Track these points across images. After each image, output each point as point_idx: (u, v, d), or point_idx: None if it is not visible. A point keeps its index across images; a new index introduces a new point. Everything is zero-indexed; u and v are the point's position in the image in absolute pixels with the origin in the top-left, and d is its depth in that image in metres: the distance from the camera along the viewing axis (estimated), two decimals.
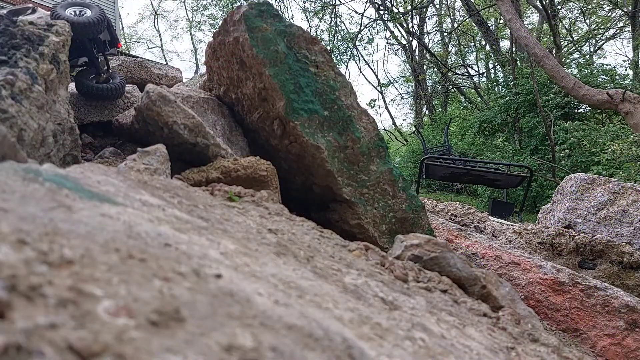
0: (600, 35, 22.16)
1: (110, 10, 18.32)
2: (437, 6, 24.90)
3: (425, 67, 25.22)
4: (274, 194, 2.23)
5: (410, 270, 1.59)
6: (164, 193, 1.23)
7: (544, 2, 14.32)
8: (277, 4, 24.68)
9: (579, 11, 22.17)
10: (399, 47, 25.49)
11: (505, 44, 22.38)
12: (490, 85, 22.54)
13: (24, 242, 0.53)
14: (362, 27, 20.52)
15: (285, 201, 2.32)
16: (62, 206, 0.72)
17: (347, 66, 21.53)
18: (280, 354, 0.50)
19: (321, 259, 1.21)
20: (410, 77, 26.12)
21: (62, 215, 0.67)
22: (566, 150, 11.19)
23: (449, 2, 25.63)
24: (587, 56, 20.42)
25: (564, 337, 2.62)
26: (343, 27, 24.14)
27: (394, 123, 27.37)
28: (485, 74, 25.32)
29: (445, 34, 25.80)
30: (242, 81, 2.76)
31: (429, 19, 26.32)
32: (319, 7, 22.85)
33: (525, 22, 17.89)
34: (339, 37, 22.24)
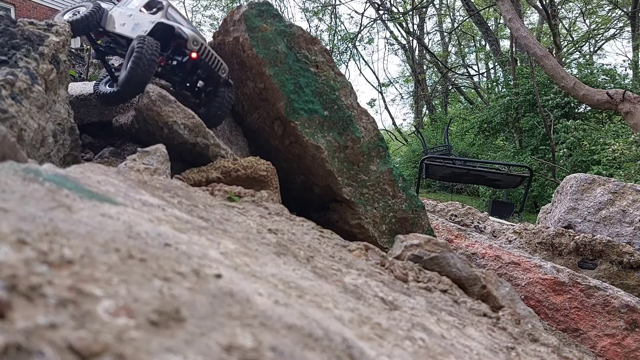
0: (600, 35, 22.17)
1: None
2: (437, 6, 24.91)
3: (425, 67, 25.23)
4: (274, 194, 2.23)
5: (410, 270, 1.59)
6: (164, 193, 1.23)
7: (544, 2, 14.33)
8: (277, 4, 24.67)
9: (579, 11, 22.17)
10: (399, 47, 25.51)
11: (505, 44, 22.40)
12: (490, 86, 22.55)
13: (24, 242, 0.53)
14: (362, 27, 20.52)
15: (285, 201, 2.32)
16: (62, 206, 0.72)
17: (347, 66, 21.51)
18: (280, 354, 0.50)
19: (321, 259, 1.21)
20: (410, 77, 26.13)
21: (62, 215, 0.67)
22: (565, 150, 11.20)
23: (448, 2, 25.63)
24: (587, 56, 20.42)
25: (564, 337, 2.62)
26: (343, 27, 24.17)
27: (394, 123, 27.37)
28: (485, 74, 25.33)
29: (445, 34, 25.81)
30: (242, 81, 2.76)
31: (429, 19, 26.34)
32: (319, 7, 22.86)
33: (525, 22, 17.88)
34: (339, 37, 22.24)
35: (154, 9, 2.71)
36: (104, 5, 2.77)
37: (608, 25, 21.40)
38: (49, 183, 0.80)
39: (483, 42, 24.20)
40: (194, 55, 2.45)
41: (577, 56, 20.23)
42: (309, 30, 15.62)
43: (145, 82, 2.32)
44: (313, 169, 2.66)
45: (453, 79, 24.87)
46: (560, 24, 19.73)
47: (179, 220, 0.96)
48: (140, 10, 2.70)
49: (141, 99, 2.26)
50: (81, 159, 2.39)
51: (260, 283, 0.75)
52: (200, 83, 2.76)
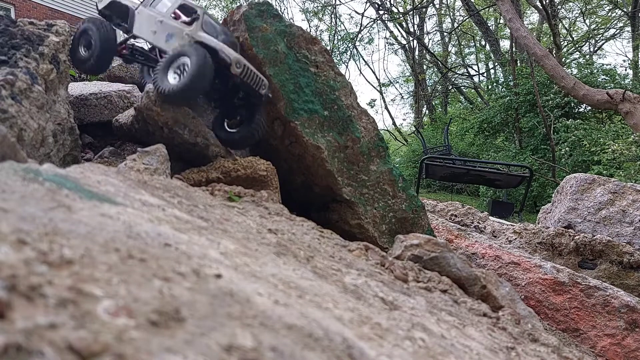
0: (600, 35, 22.18)
1: None
2: (437, 6, 24.91)
3: (425, 67, 25.24)
4: (274, 194, 2.23)
5: (410, 270, 1.59)
6: (164, 193, 1.23)
7: (544, 2, 14.32)
8: (277, 4, 24.69)
9: (579, 11, 22.18)
10: (399, 47, 25.52)
11: (505, 44, 22.42)
12: (490, 86, 22.57)
13: (24, 242, 0.53)
14: (362, 27, 20.52)
15: (285, 201, 2.32)
16: (62, 206, 0.72)
17: (347, 66, 21.51)
18: (280, 354, 0.50)
19: (321, 259, 1.21)
20: (411, 77, 26.15)
21: (62, 215, 0.67)
22: (567, 149, 11.20)
23: (448, 2, 25.63)
24: (587, 56, 20.43)
25: (564, 337, 2.62)
26: (343, 28, 24.20)
27: (394, 123, 27.39)
28: (485, 74, 25.34)
29: (445, 34, 25.81)
30: None
31: (429, 19, 26.35)
32: (319, 7, 22.88)
33: (525, 22, 17.89)
34: (339, 37, 22.26)
35: (189, 18, 2.44)
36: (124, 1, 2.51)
37: (608, 25, 21.40)
38: (49, 183, 0.80)
39: (483, 42, 24.21)
40: (236, 77, 2.29)
41: (577, 56, 20.23)
42: (309, 30, 15.62)
43: (196, 97, 2.24)
44: (313, 169, 2.66)
45: (453, 79, 24.88)
46: (560, 24, 19.73)
47: (179, 220, 0.96)
48: (173, 16, 2.44)
49: (141, 99, 2.25)
50: (81, 159, 2.39)
51: (260, 283, 0.75)
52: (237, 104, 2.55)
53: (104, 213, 0.76)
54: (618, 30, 21.52)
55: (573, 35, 22.32)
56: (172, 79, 2.17)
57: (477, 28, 21.96)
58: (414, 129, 18.69)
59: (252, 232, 1.21)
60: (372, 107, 26.69)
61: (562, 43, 17.81)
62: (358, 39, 21.80)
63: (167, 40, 2.37)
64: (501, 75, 20.63)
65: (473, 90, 24.53)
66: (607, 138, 9.95)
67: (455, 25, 24.57)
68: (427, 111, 25.57)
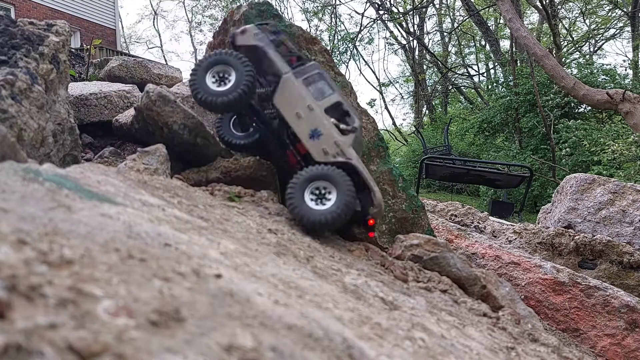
0: (600, 35, 22.20)
1: (110, 11, 18.18)
2: (437, 6, 24.93)
3: (425, 67, 25.26)
4: (274, 194, 2.23)
5: (410, 270, 1.59)
6: (164, 193, 1.23)
7: (544, 2, 14.33)
8: (277, 4, 24.73)
9: (579, 11, 22.20)
10: (399, 47, 25.55)
11: (505, 44, 22.45)
12: (490, 86, 22.57)
13: (24, 242, 0.53)
14: (362, 27, 20.53)
15: (285, 201, 2.32)
16: (62, 206, 0.72)
17: (347, 66, 21.51)
18: (280, 354, 0.50)
19: (321, 259, 1.21)
20: (411, 77, 26.19)
21: (62, 215, 0.67)
22: (567, 149, 11.21)
23: (448, 2, 25.65)
24: (587, 56, 20.44)
25: (564, 337, 2.62)
26: (343, 28, 24.22)
27: (394, 123, 27.42)
28: (485, 74, 25.37)
29: (445, 34, 25.84)
30: None
31: (429, 19, 26.38)
32: (319, 7, 22.92)
33: (525, 22, 17.91)
34: (339, 37, 22.28)
35: (343, 125, 2.01)
36: (270, 51, 2.02)
37: (608, 25, 21.42)
38: (49, 183, 0.80)
39: (483, 42, 24.23)
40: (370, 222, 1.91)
41: (577, 56, 20.23)
42: (309, 30, 15.62)
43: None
44: None
45: (453, 79, 24.90)
46: (560, 24, 19.75)
47: (179, 220, 0.96)
48: (326, 112, 2.00)
49: (141, 99, 2.25)
50: (81, 159, 2.39)
51: (260, 283, 0.75)
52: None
53: (104, 213, 0.76)
54: (618, 30, 21.54)
55: (573, 35, 22.33)
56: (310, 201, 1.80)
57: (477, 28, 21.98)
58: (414, 129, 18.70)
59: (252, 232, 1.21)
60: (372, 107, 26.74)
61: (562, 43, 17.82)
62: (358, 39, 21.80)
63: (311, 136, 1.97)
64: (501, 75, 20.64)
65: (473, 90, 24.56)
66: (607, 138, 9.96)
67: (455, 25, 24.59)
68: (427, 111, 25.58)
